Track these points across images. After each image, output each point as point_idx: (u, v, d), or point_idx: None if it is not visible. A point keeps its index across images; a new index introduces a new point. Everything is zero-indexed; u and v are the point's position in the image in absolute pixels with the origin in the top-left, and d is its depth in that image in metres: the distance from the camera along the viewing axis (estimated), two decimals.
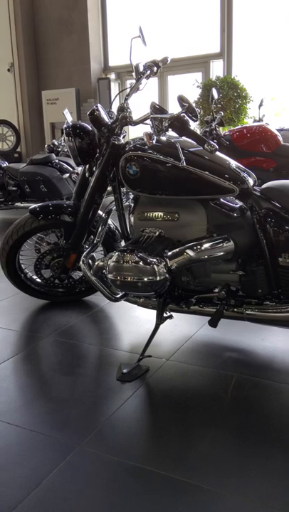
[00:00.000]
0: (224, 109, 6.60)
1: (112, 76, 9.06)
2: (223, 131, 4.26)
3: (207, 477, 1.38)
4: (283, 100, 9.32)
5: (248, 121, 6.71)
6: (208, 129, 3.91)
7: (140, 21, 2.44)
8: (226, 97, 6.71)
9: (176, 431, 1.60)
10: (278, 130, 4.17)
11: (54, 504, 1.29)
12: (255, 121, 5.10)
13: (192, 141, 1.93)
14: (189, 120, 1.80)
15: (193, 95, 7.22)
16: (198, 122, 6.56)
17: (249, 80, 7.17)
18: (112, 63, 9.06)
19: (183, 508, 1.27)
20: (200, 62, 8.08)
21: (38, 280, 2.74)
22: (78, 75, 8.85)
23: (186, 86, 7.54)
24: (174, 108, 1.89)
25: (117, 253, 1.96)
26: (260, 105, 5.01)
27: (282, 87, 8.64)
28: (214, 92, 3.98)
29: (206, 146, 1.73)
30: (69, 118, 6.08)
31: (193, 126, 2.84)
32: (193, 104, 1.77)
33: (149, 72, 2.19)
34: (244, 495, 1.31)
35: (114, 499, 1.31)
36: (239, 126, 4.45)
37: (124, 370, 1.93)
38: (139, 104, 2.37)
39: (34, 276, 2.74)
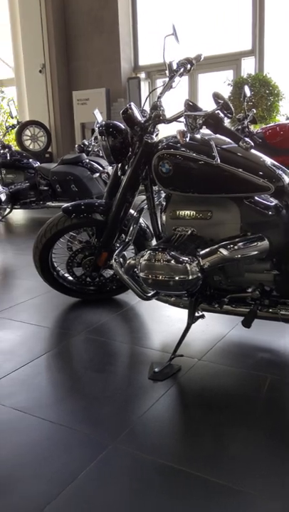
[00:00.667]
0: (256, 107, 6.50)
1: (142, 75, 9.06)
2: (254, 128, 4.20)
3: (240, 478, 1.36)
4: None
5: (280, 119, 6.59)
6: (240, 127, 3.86)
7: (173, 19, 2.42)
8: (258, 94, 6.61)
9: (208, 431, 1.58)
10: None
11: (87, 501, 1.30)
12: (287, 118, 4.99)
13: (226, 139, 1.91)
14: (231, 116, 1.78)
15: (224, 93, 7.14)
16: (229, 120, 6.49)
17: (281, 77, 7.05)
18: (142, 62, 9.07)
19: (215, 509, 1.25)
20: (231, 60, 7.99)
21: (70, 278, 2.77)
22: (108, 74, 8.89)
23: (217, 84, 7.46)
24: (204, 106, 1.86)
25: (148, 251, 1.95)
26: None
27: None
28: (246, 90, 3.92)
29: (241, 143, 1.71)
30: (99, 118, 6.16)
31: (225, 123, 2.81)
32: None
33: (182, 69, 2.18)
34: (278, 497, 1.28)
35: (147, 498, 1.30)
36: (272, 124, 4.38)
37: (156, 369, 1.93)
38: (169, 103, 2.36)
39: (66, 274, 2.77)
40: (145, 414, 1.68)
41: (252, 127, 4.06)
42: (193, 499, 1.29)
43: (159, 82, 8.89)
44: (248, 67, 7.93)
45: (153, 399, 1.76)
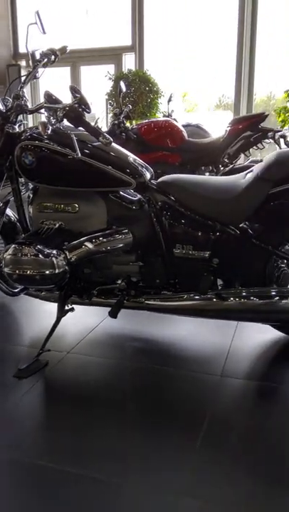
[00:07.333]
0: (136, 103, 6.65)
1: (23, 63, 8.72)
2: (129, 124, 4.28)
3: (104, 468, 1.39)
4: (196, 97, 9.61)
5: (160, 116, 6.83)
6: (116, 122, 3.91)
7: (38, 7, 2.35)
8: (138, 90, 6.76)
9: (73, 424, 1.59)
10: (185, 126, 4.28)
11: None
12: (164, 116, 5.19)
13: None
14: (89, 111, 1.79)
15: (106, 87, 7.20)
16: (110, 114, 6.54)
17: (162, 76, 7.29)
18: (22, 50, 8.71)
19: (78, 501, 1.27)
20: (113, 54, 8.05)
21: None
22: None
23: (100, 77, 7.48)
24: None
25: (13, 246, 1.90)
26: (169, 100, 5.11)
27: (194, 84, 8.90)
28: (122, 85, 3.98)
29: (100, 138, 1.73)
30: None
31: (101, 118, 2.82)
32: (86, 96, 1.75)
33: (46, 60, 2.13)
34: (143, 483, 1.33)
35: (8, 496, 1.27)
36: (147, 120, 4.51)
37: (22, 366, 1.89)
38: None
39: None
40: (8, 413, 1.63)
41: (128, 123, 4.13)
42: (55, 493, 1.30)
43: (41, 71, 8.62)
44: (129, 62, 8.07)
45: (16, 397, 1.72)
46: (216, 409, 1.65)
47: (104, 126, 6.32)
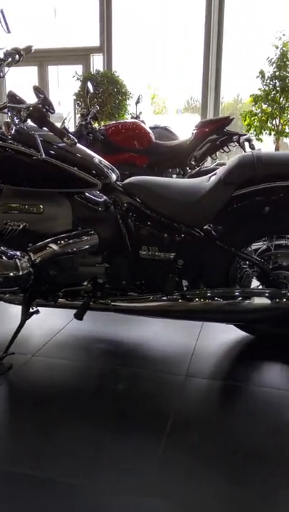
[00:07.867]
0: (104, 104, 6.64)
1: None
2: (97, 125, 4.27)
3: (63, 470, 1.38)
4: (164, 99, 9.69)
5: (128, 118, 6.84)
6: (83, 123, 3.90)
7: (2, 5, 2.31)
8: (106, 91, 6.76)
9: (34, 427, 1.58)
10: (153, 128, 4.31)
11: None
12: (132, 117, 5.20)
13: None
14: (53, 112, 1.78)
15: (74, 87, 7.17)
16: (78, 115, 6.50)
17: (130, 77, 7.31)
18: None
19: (39, 503, 1.26)
20: (81, 55, 8.02)
21: None
22: None
23: (67, 77, 7.44)
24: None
25: None
26: (138, 102, 5.13)
27: (162, 87, 8.98)
28: (89, 86, 3.98)
29: (65, 139, 1.72)
30: None
31: (69, 118, 2.81)
32: (49, 97, 1.74)
33: (10, 59, 2.11)
34: (107, 484, 1.33)
35: None
36: (115, 122, 4.51)
37: None
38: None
39: None
40: None
41: (95, 124, 4.13)
42: (17, 497, 1.28)
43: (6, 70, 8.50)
44: (98, 63, 8.05)
45: None
46: (181, 409, 1.67)
47: (72, 126, 6.29)
